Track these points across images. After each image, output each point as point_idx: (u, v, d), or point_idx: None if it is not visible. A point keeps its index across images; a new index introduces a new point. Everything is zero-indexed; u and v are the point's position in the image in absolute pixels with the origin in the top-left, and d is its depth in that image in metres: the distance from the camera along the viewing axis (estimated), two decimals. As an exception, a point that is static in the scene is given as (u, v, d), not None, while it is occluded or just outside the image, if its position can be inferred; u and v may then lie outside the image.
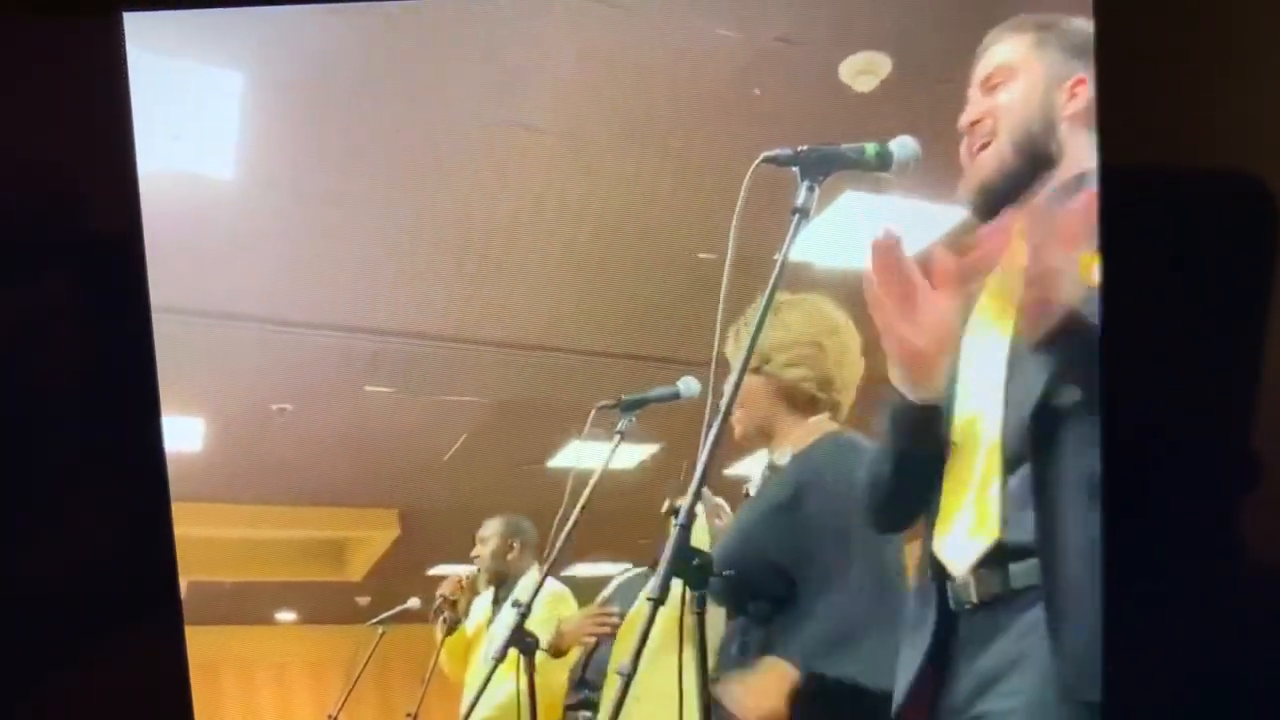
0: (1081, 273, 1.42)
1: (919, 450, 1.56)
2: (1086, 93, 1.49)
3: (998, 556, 1.44)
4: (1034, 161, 1.54)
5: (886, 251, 1.39)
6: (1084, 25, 1.53)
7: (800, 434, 2.28)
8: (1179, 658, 0.86)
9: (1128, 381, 0.87)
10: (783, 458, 2.27)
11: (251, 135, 3.46)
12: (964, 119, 1.62)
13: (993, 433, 1.46)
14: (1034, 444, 1.40)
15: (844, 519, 2.05)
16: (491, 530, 3.86)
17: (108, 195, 0.85)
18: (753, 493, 2.31)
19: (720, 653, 2.21)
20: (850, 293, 2.03)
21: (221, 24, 2.94)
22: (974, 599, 1.48)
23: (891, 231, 1.40)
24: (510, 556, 3.76)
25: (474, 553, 3.94)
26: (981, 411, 1.48)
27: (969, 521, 1.48)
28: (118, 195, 0.84)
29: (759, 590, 2.16)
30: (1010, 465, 1.44)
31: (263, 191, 3.77)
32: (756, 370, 2.23)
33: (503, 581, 3.76)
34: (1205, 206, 0.81)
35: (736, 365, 1.67)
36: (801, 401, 2.28)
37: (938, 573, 1.55)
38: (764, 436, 2.34)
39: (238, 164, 3.58)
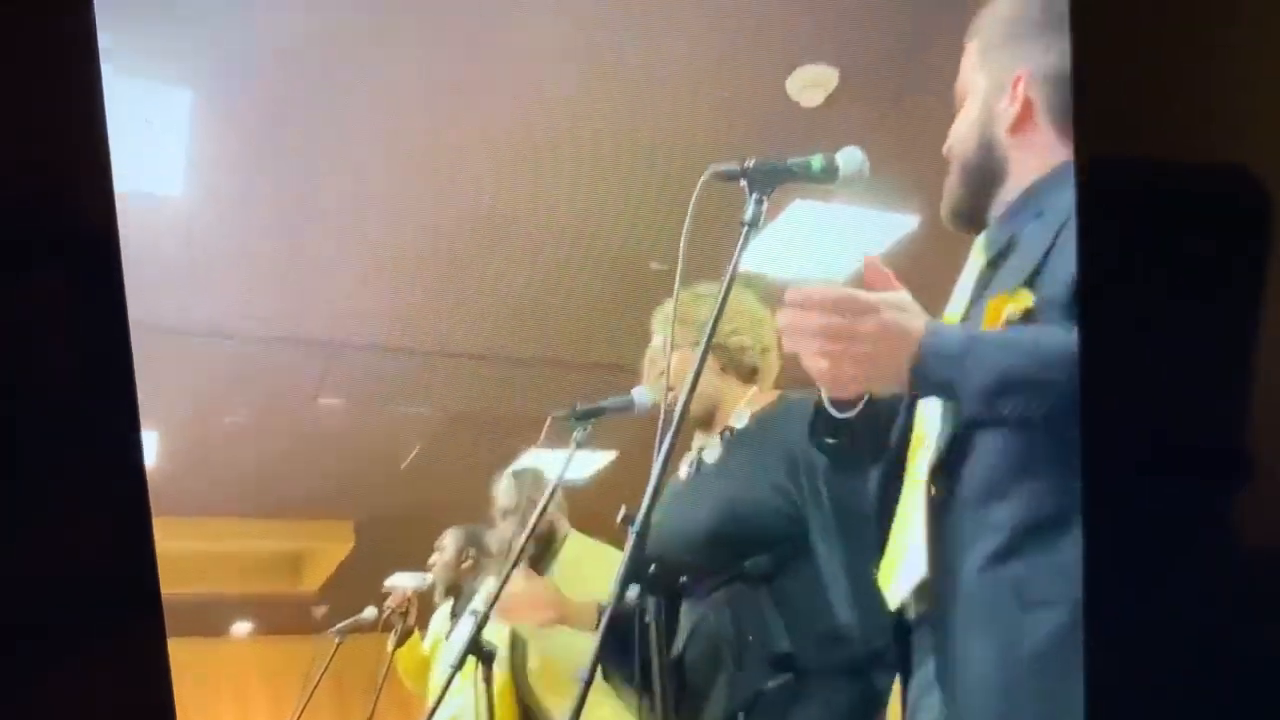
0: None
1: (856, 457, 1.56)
2: (1024, 89, 1.46)
3: (924, 595, 1.43)
4: (978, 183, 1.52)
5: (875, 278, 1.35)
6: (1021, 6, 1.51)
7: (747, 400, 2.30)
8: (1165, 670, 0.86)
9: (1108, 383, 0.87)
10: (740, 420, 2.27)
11: (201, 151, 3.46)
12: (945, 147, 1.62)
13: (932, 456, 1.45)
14: (933, 482, 1.39)
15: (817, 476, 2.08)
16: (449, 540, 3.84)
17: (84, 194, 0.85)
18: (709, 461, 2.28)
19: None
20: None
21: (170, 41, 2.93)
22: (912, 615, 1.46)
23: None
24: (464, 566, 3.75)
25: (430, 560, 3.93)
26: (927, 433, 1.47)
27: (908, 551, 1.48)
28: (95, 194, 0.84)
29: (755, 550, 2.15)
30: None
31: (213, 207, 3.76)
32: (697, 344, 2.23)
33: (458, 592, 3.75)
34: (1190, 199, 0.80)
35: (694, 359, 1.66)
36: (745, 370, 2.30)
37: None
38: (709, 413, 2.33)
39: (187, 180, 3.58)
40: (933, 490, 1.40)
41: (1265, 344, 0.84)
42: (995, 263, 1.45)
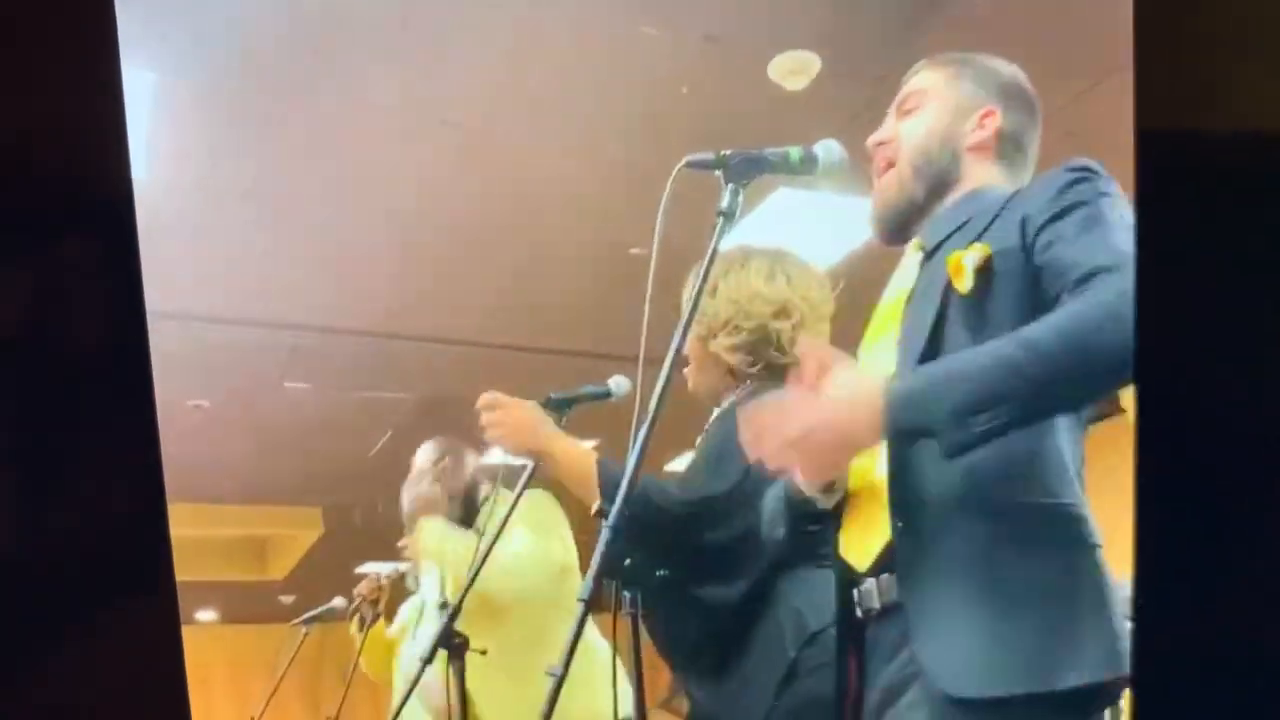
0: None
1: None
2: (994, 124, 1.57)
3: (892, 561, 1.43)
4: (932, 184, 1.58)
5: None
6: (1003, 66, 1.63)
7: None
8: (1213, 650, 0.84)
9: (1166, 360, 0.84)
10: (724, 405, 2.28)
11: (164, 134, 3.39)
12: (872, 139, 1.65)
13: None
14: (891, 452, 1.42)
15: None
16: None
17: (102, 173, 0.84)
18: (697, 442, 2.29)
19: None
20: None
21: (135, 25, 2.87)
22: (875, 606, 1.46)
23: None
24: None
25: (401, 542, 3.83)
26: None
27: (869, 518, 1.47)
28: (112, 172, 0.83)
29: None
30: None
31: (177, 189, 3.68)
32: (704, 339, 2.22)
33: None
34: (1246, 173, 0.79)
35: (678, 332, 1.64)
36: (743, 376, 2.29)
37: (843, 575, 1.52)
38: (714, 399, 2.34)
39: (149, 163, 3.51)
40: (891, 451, 1.42)
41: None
42: (934, 252, 1.52)
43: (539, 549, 2.83)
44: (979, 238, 1.43)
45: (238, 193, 3.80)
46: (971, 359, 1.32)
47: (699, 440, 2.30)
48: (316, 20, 3.07)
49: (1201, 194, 0.85)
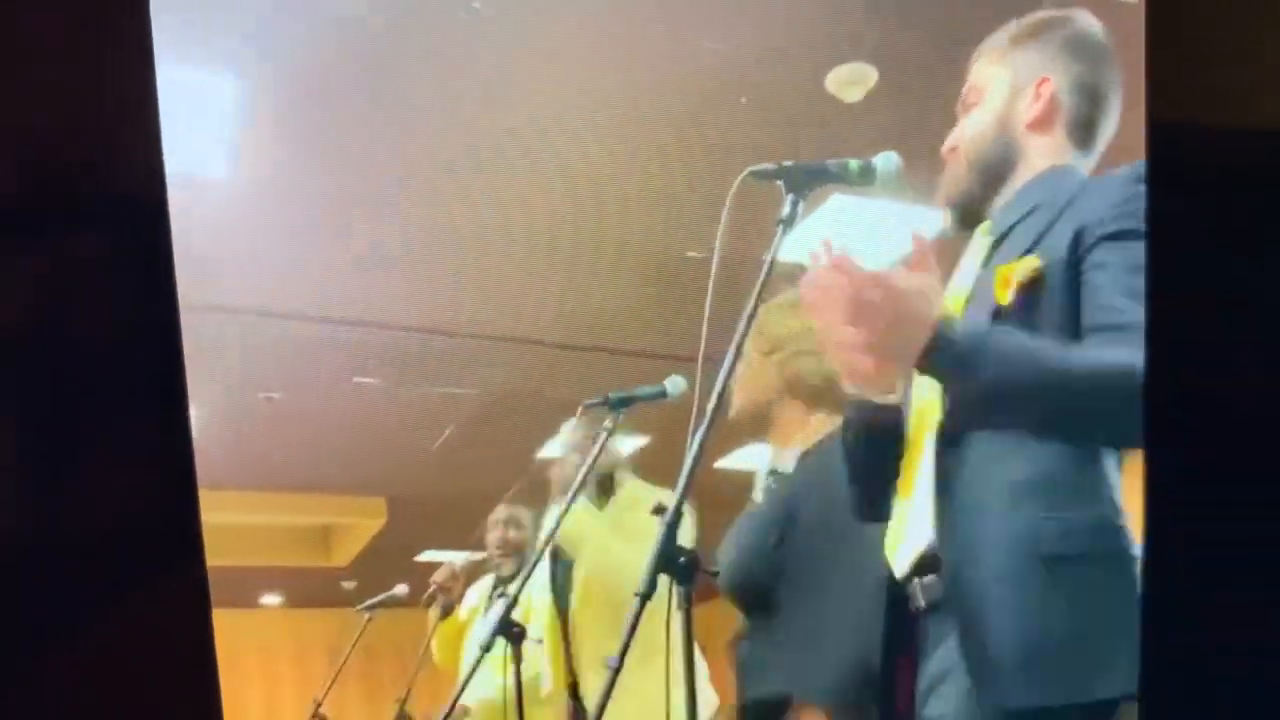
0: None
1: (886, 446, 1.57)
2: (1049, 90, 1.53)
3: (930, 564, 1.45)
4: (986, 175, 1.57)
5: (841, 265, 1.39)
6: (1068, 16, 1.58)
7: (805, 433, 2.26)
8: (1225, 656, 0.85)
9: (1175, 357, 0.85)
10: (787, 464, 2.24)
11: (243, 136, 3.50)
12: (945, 147, 1.64)
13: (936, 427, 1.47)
14: (938, 457, 1.43)
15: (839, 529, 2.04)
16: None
17: (134, 163, 0.87)
18: (758, 500, 2.27)
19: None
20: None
21: (215, 28, 2.97)
22: (921, 605, 1.48)
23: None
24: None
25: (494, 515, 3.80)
26: (932, 402, 1.49)
27: (908, 525, 1.50)
28: (144, 163, 0.86)
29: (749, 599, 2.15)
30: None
31: (254, 189, 3.81)
32: (768, 354, 2.20)
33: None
34: (1261, 166, 0.79)
35: (734, 340, 1.67)
36: (804, 394, 2.23)
37: (890, 574, 1.54)
38: (760, 423, 2.29)
39: (229, 163, 3.63)
40: (941, 455, 1.43)
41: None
42: (1000, 241, 1.51)
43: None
44: (1034, 246, 1.43)
45: (313, 193, 3.90)
46: (1018, 347, 1.34)
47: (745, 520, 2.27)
48: (388, 30, 3.16)
49: (1213, 188, 0.85)
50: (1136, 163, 1.38)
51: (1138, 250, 1.33)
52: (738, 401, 2.23)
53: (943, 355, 1.33)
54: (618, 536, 2.84)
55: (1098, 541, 1.35)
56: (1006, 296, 1.41)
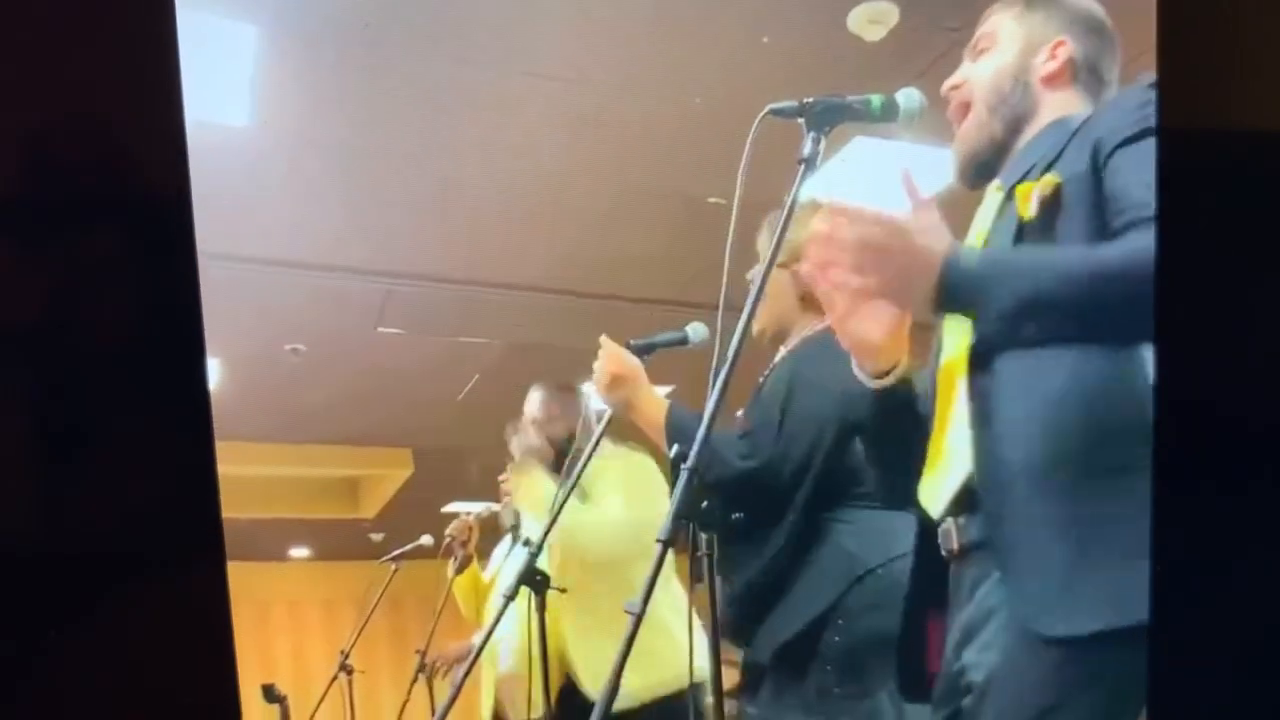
0: None
1: (905, 429, 1.56)
2: (1065, 53, 1.55)
3: (968, 501, 1.42)
4: (1008, 120, 1.57)
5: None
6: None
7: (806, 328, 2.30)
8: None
9: (1185, 355, 0.84)
10: (781, 353, 2.27)
11: (265, 85, 3.48)
12: (947, 83, 1.64)
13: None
14: (971, 383, 1.41)
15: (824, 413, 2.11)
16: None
17: (156, 140, 0.86)
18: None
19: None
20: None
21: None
22: (954, 547, 1.46)
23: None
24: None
25: (502, 476, 3.83)
26: (961, 354, 1.47)
27: (944, 462, 1.48)
28: (166, 140, 0.85)
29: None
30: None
31: (276, 138, 3.80)
32: (785, 265, 2.20)
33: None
34: (1269, 171, 0.77)
35: (764, 258, 1.67)
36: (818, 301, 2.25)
37: (925, 519, 1.51)
38: (780, 336, 2.31)
39: (252, 112, 3.61)
40: (974, 383, 1.42)
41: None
42: (1012, 192, 1.49)
43: (635, 518, 2.87)
44: (1050, 167, 1.43)
45: (336, 142, 3.88)
46: (1034, 259, 1.34)
47: (757, 392, 2.31)
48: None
49: (1225, 192, 0.84)
50: (1141, 77, 1.40)
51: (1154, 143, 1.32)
52: (758, 318, 2.26)
53: (960, 287, 1.33)
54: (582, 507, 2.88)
55: (1143, 448, 1.32)
56: (1029, 210, 1.41)
